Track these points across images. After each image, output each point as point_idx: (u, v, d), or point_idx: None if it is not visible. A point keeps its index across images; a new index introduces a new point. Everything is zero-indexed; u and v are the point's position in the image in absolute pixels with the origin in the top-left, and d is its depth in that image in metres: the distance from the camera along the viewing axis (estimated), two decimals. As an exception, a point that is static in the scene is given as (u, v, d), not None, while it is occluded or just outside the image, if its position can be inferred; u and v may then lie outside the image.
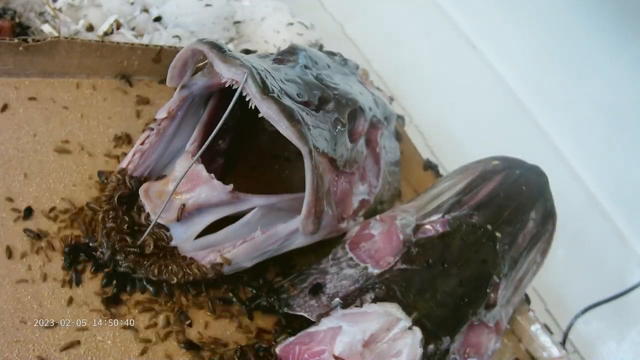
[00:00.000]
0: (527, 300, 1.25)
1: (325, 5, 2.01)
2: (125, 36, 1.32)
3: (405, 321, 0.83)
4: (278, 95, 0.81)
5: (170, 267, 0.88)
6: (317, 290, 0.94)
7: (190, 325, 0.89)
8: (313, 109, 0.90)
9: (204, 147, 0.83)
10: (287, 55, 0.98)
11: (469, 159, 1.22)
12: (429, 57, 1.89)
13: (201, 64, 0.91)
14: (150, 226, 0.86)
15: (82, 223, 0.91)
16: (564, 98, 1.66)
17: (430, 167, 1.49)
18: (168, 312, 0.89)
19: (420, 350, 0.81)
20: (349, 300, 0.89)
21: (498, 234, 1.01)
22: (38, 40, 1.04)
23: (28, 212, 0.89)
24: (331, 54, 1.22)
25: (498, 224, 1.02)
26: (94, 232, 0.90)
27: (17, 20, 1.17)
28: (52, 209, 0.92)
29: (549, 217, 1.13)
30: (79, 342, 0.80)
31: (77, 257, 0.88)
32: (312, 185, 0.83)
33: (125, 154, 0.98)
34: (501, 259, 0.99)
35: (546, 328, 1.24)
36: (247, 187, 0.92)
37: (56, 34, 1.20)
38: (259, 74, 0.80)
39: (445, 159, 1.69)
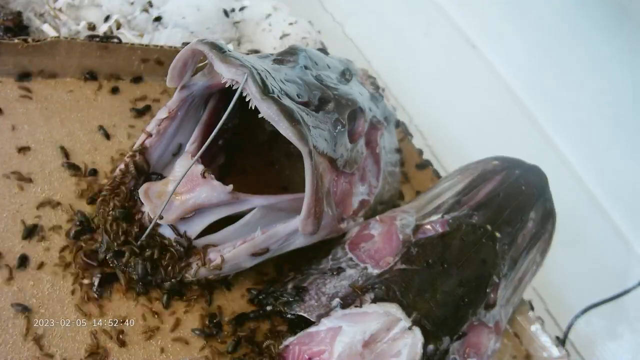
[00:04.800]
0: (530, 307, 1.25)
1: (325, 5, 2.01)
2: (125, 36, 1.32)
3: (405, 321, 0.83)
4: (278, 96, 0.81)
5: (170, 267, 0.88)
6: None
7: (189, 325, 0.90)
8: (313, 109, 0.90)
9: (204, 147, 0.83)
10: (287, 56, 0.98)
11: (469, 159, 1.22)
12: (429, 57, 1.89)
13: (201, 64, 0.91)
14: (150, 226, 0.86)
15: (83, 222, 0.92)
16: (564, 98, 1.66)
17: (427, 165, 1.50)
18: (167, 313, 0.89)
19: (420, 351, 0.81)
20: (349, 300, 0.89)
21: (498, 234, 1.01)
22: (38, 40, 1.04)
23: (28, 211, 0.89)
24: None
25: (498, 224, 1.02)
26: (95, 231, 0.90)
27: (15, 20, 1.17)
28: (54, 210, 0.92)
29: (548, 217, 1.13)
30: (79, 342, 0.80)
31: (78, 256, 0.88)
32: (312, 185, 0.83)
33: (125, 154, 0.98)
34: (501, 259, 0.99)
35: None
36: (247, 187, 0.92)
37: (56, 34, 1.20)
38: (259, 74, 0.80)
39: (445, 159, 1.69)
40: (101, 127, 1.07)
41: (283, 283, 0.98)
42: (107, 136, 1.07)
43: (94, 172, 1.00)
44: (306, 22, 1.59)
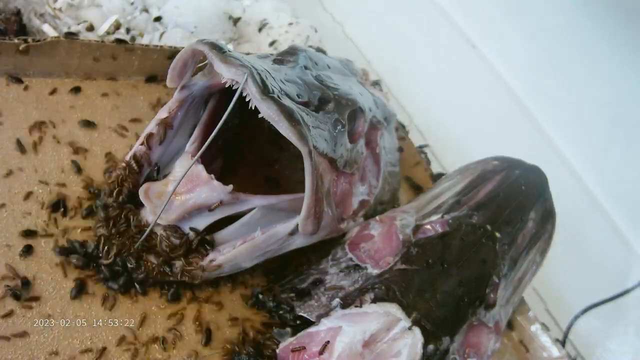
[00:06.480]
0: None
1: (325, 5, 2.01)
2: (125, 36, 1.32)
3: (405, 321, 0.83)
4: (278, 96, 0.81)
5: (169, 267, 0.88)
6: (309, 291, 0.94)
7: (189, 325, 0.90)
8: (313, 109, 0.90)
9: (204, 147, 0.83)
10: (287, 56, 0.98)
11: (469, 159, 1.22)
12: (429, 57, 1.89)
13: (201, 64, 0.91)
14: (150, 226, 0.86)
15: (83, 222, 0.92)
16: (564, 98, 1.66)
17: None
18: (167, 314, 0.89)
19: (420, 351, 0.81)
20: (349, 300, 0.89)
21: (497, 234, 1.01)
22: (38, 40, 1.04)
23: (28, 211, 0.89)
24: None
25: (498, 224, 1.02)
26: (95, 231, 0.90)
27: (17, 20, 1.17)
28: (54, 209, 0.92)
29: (548, 217, 1.13)
30: (78, 342, 0.80)
31: (77, 256, 0.88)
32: (312, 185, 0.83)
33: (125, 154, 0.98)
34: (501, 259, 0.99)
35: (546, 327, 1.24)
36: (247, 187, 0.92)
37: (56, 34, 1.20)
38: (259, 74, 0.80)
39: (445, 159, 1.69)
40: (101, 128, 1.07)
41: (283, 283, 0.99)
42: (108, 136, 1.07)
43: (95, 173, 1.00)
44: (306, 22, 1.59)
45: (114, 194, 0.91)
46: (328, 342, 0.81)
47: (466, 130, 1.74)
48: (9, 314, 0.79)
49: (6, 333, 0.77)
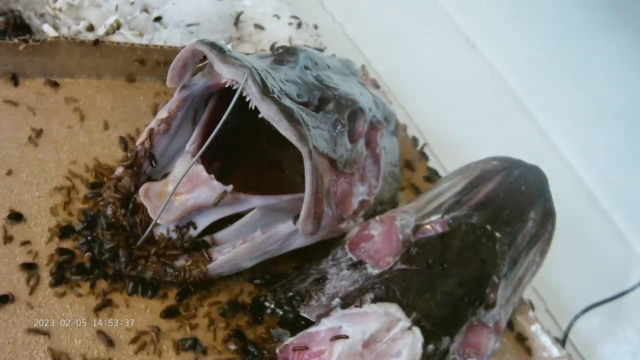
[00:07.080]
0: (531, 306, 1.25)
1: (325, 5, 2.01)
2: (125, 36, 1.32)
3: (405, 321, 0.83)
4: (278, 96, 0.81)
5: (169, 267, 0.88)
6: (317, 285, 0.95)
7: (189, 324, 0.90)
8: (313, 109, 0.90)
9: (203, 147, 0.83)
10: (287, 56, 0.98)
11: (469, 159, 1.22)
12: (429, 57, 1.89)
13: (201, 64, 0.91)
14: (150, 227, 0.86)
15: (82, 222, 0.92)
16: (564, 98, 1.66)
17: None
18: (167, 313, 0.89)
19: (420, 351, 0.81)
20: (349, 300, 0.89)
21: (497, 234, 1.01)
22: (38, 40, 1.04)
23: (29, 211, 0.89)
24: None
25: (497, 224, 1.02)
26: (94, 231, 0.90)
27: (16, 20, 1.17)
28: (53, 209, 0.92)
29: (548, 217, 1.13)
30: (79, 342, 0.80)
31: (78, 256, 0.88)
32: (312, 185, 0.83)
33: (125, 154, 0.98)
34: (500, 259, 0.99)
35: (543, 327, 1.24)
36: (247, 187, 0.92)
37: (56, 34, 1.20)
38: (259, 74, 0.80)
39: (445, 159, 1.69)
40: (101, 128, 1.07)
41: (283, 283, 0.99)
42: (107, 136, 1.07)
43: (95, 172, 1.00)
44: (306, 22, 1.59)
45: (114, 194, 0.91)
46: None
47: (466, 130, 1.74)
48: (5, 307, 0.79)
49: (5, 332, 0.77)
